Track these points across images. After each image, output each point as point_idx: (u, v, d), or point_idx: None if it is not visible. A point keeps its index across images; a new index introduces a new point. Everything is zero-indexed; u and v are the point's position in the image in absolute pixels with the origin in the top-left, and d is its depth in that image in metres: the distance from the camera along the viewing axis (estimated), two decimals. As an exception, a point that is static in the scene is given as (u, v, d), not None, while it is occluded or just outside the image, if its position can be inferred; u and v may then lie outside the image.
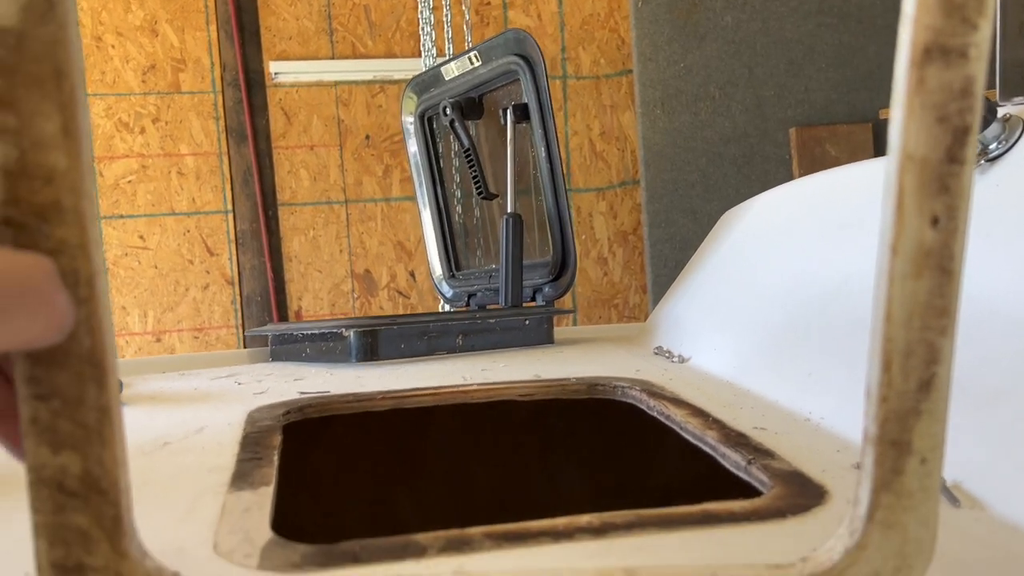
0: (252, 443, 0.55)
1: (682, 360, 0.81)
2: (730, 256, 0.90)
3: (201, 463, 0.52)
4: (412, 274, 3.36)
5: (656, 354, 0.87)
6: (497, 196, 1.05)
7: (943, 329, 0.26)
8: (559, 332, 1.03)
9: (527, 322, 0.96)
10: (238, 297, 3.24)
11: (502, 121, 1.01)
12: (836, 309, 0.65)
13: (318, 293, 3.30)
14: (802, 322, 0.69)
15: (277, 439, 0.56)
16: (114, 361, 0.26)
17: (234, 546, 0.40)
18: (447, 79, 1.08)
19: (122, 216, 3.15)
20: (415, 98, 1.15)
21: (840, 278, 0.67)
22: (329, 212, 3.29)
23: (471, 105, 1.05)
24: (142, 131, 3.17)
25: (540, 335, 0.97)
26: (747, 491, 0.50)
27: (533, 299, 1.03)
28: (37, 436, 0.25)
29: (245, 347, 3.27)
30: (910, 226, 0.25)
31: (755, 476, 0.50)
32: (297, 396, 0.68)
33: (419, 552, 0.39)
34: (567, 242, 0.99)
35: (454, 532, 0.41)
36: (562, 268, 0.99)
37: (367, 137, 3.30)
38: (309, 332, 0.91)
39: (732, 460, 0.53)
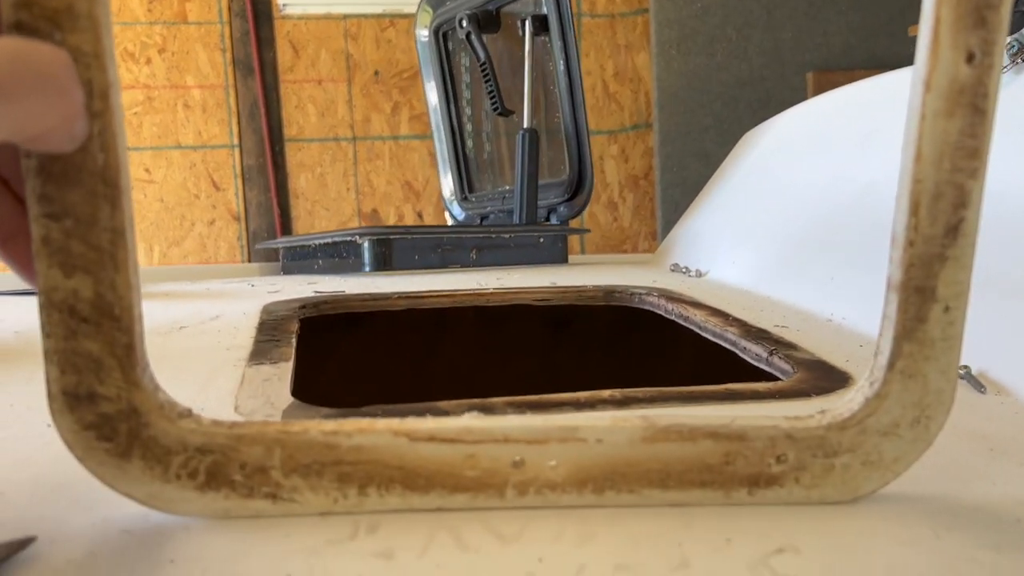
0: (269, 328, 0.55)
1: (699, 274, 0.80)
2: (750, 174, 0.89)
3: (218, 343, 0.51)
4: (420, 215, 3.34)
5: (672, 271, 0.86)
6: (513, 112, 1.03)
7: (973, 172, 0.25)
8: (572, 258, 1.02)
9: (541, 240, 0.95)
10: (244, 233, 3.23)
11: (520, 32, 0.99)
12: (860, 216, 0.64)
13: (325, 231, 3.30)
14: (824, 231, 0.68)
15: (294, 326, 0.56)
16: (128, 182, 0.25)
17: (255, 408, 0.40)
18: (464, -8, 1.06)
19: (128, 148, 3.13)
20: (430, 12, 1.12)
21: (864, 186, 0.66)
22: (336, 149, 3.26)
23: (488, 18, 1.03)
24: (148, 61, 3.13)
25: (554, 254, 0.96)
26: (770, 382, 0.50)
27: (547, 219, 1.02)
28: (48, 257, 0.24)
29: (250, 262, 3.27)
30: (944, 60, 0.24)
31: (777, 366, 0.49)
32: (312, 295, 0.67)
33: (441, 415, 0.39)
34: (584, 160, 0.97)
35: (476, 400, 0.40)
36: (578, 187, 0.98)
37: (376, 73, 3.25)
38: (322, 242, 0.90)
39: (753, 353, 0.52)
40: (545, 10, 0.95)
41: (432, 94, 1.16)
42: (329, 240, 0.88)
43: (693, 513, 0.27)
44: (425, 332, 0.71)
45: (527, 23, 0.97)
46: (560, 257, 0.97)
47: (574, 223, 1.02)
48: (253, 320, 0.57)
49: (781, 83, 2.96)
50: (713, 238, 0.86)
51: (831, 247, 0.66)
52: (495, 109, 1.02)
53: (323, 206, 3.28)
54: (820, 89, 2.76)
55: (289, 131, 3.22)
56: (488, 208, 1.13)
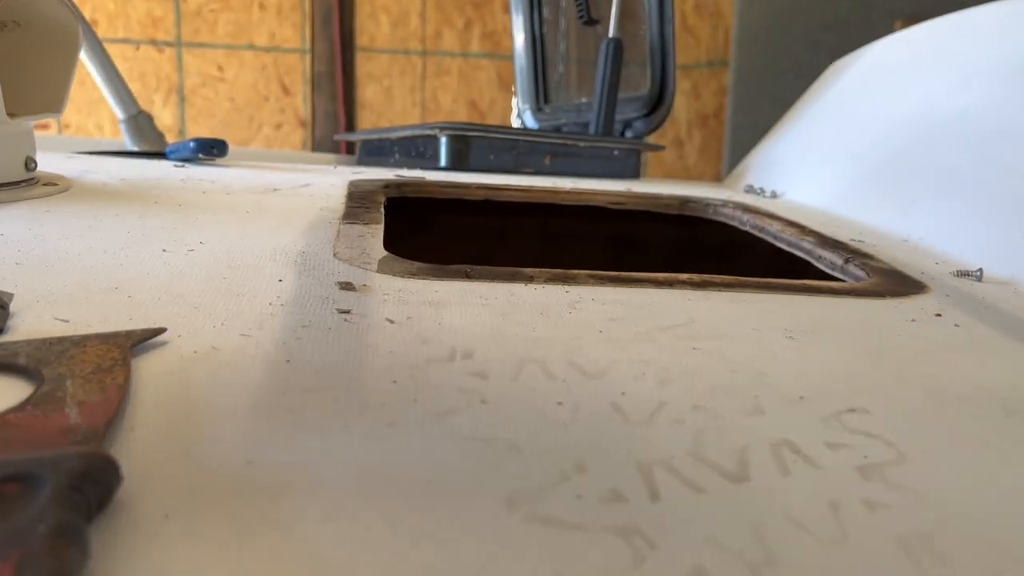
0: (358, 197, 0.57)
1: (775, 195, 0.80)
2: (834, 102, 0.87)
3: (312, 204, 0.54)
4: (483, 135, 3.34)
5: (747, 192, 0.86)
6: (599, 22, 1.02)
7: None
8: (643, 179, 1.02)
9: (616, 152, 0.95)
10: (310, 140, 3.26)
11: (613, -60, 0.97)
12: (950, 143, 0.63)
13: (388, 144, 3.31)
14: (910, 156, 0.67)
15: (381, 198, 0.58)
16: None
17: (353, 256, 0.42)
18: None
19: (202, 44, 3.16)
20: (522, -85, 1.11)
21: (955, 115, 0.65)
22: (406, 62, 3.25)
23: (581, -77, 1.01)
24: (228, -42, 3.13)
25: (628, 168, 0.97)
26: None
27: (623, 134, 1.02)
28: None
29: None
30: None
31: (852, 273, 0.50)
32: (395, 177, 0.69)
33: (527, 279, 0.41)
34: (667, 75, 0.96)
35: (559, 271, 0.42)
36: (659, 102, 0.97)
37: (451, -14, 3.21)
38: (400, 136, 0.91)
39: (828, 261, 0.53)
40: (642, -83, 0.93)
41: (515, 3, 1.16)
42: (408, 134, 0.90)
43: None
44: (500, 223, 0.73)
45: (621, -70, 0.95)
46: (633, 172, 0.97)
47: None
48: (341, 191, 0.60)
49: (867, 29, 2.83)
50: (791, 162, 0.85)
51: (916, 172, 0.65)
52: (580, 18, 1.01)
53: (387, 119, 3.29)
54: (909, 37, 2.65)
55: (361, 40, 3.22)
56: (562, 120, 1.13)
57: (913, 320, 0.37)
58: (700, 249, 0.72)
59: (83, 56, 0.84)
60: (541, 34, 1.15)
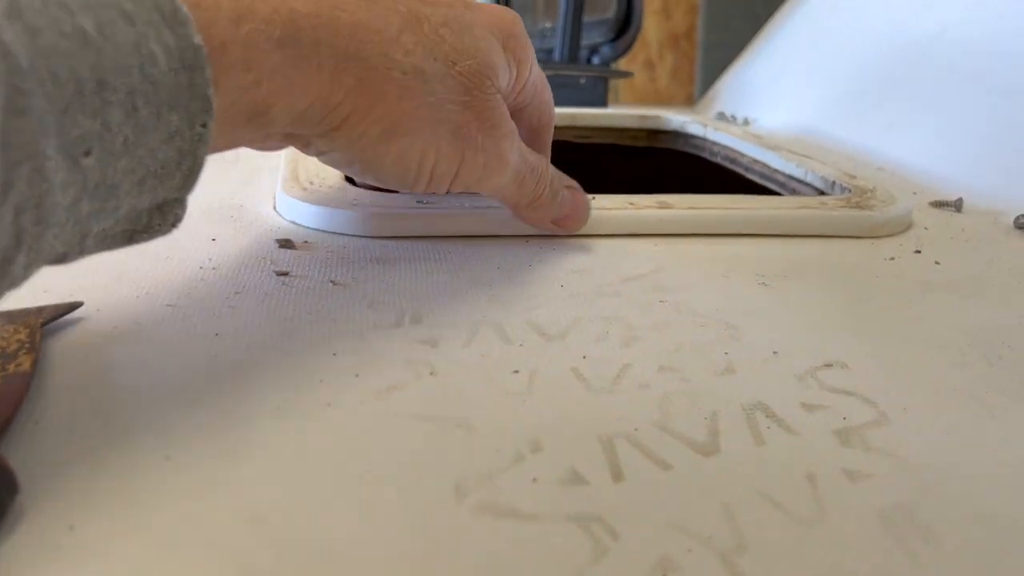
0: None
1: (747, 122, 0.78)
2: (805, 22, 0.84)
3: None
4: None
5: (718, 119, 0.83)
6: (561, -59, 0.97)
7: None
8: (611, 106, 0.98)
9: (582, 81, 0.92)
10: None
11: None
12: (930, 59, 0.61)
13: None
14: (884, 77, 0.64)
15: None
16: None
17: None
18: None
19: None
20: None
21: (936, 29, 0.62)
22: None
23: None
24: None
25: (595, 97, 0.93)
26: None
27: (589, 60, 0.98)
28: None
29: None
30: None
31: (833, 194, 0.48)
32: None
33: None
34: (633, -3, 0.92)
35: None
36: (625, 25, 0.93)
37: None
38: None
39: (811, 187, 0.51)
40: None
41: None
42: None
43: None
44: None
45: None
46: (600, 100, 0.94)
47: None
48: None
49: (843, -60, 2.75)
50: (762, 86, 0.82)
51: (890, 94, 0.63)
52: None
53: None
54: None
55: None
56: (528, 47, 1.08)
57: (892, 258, 0.36)
58: (674, 181, 0.70)
59: None
60: (502, -45, 1.09)
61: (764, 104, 0.79)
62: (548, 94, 0.34)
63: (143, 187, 0.20)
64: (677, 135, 0.68)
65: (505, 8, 0.32)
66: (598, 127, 0.68)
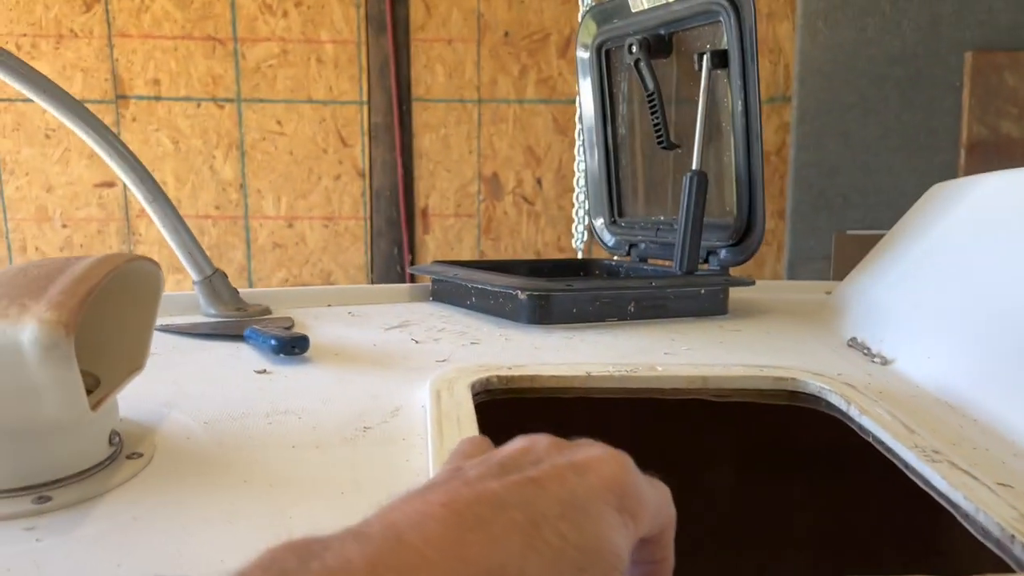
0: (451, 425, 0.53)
1: (884, 361, 0.74)
2: (948, 245, 0.81)
3: (403, 453, 0.50)
4: (539, 181, 3.30)
5: (851, 347, 0.80)
6: (679, 147, 0.97)
7: None
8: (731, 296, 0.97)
9: (703, 292, 0.90)
10: (368, 190, 3.28)
11: (696, 67, 0.92)
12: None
13: (445, 192, 3.30)
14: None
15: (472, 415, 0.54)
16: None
17: None
18: (634, 11, 0.99)
19: (261, 100, 3.20)
20: (594, 27, 1.06)
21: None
22: (462, 111, 3.24)
23: (660, 43, 0.96)
24: (284, 15, 3.16)
25: (715, 305, 0.91)
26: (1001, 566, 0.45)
27: (706, 261, 0.97)
28: None
29: (372, 269, 3.34)
30: None
31: (1015, 557, 0.44)
32: (483, 377, 0.65)
33: None
34: (755, 206, 0.91)
35: None
36: (746, 233, 0.92)
37: (506, 34, 3.19)
38: (479, 287, 0.88)
39: (981, 528, 0.47)
40: (726, 44, 0.88)
41: (588, 113, 1.11)
42: (488, 287, 0.86)
43: None
44: (596, 424, 0.69)
45: (705, 57, 0.90)
46: (720, 308, 0.92)
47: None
48: (431, 406, 0.56)
49: (935, 61, 2.73)
50: (899, 314, 0.79)
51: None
52: (660, 143, 0.96)
53: (444, 167, 3.29)
54: (979, 70, 2.53)
55: (417, 90, 3.22)
56: (639, 237, 1.08)
57: None
58: (815, 450, 0.67)
59: (157, 222, 0.83)
60: (616, 148, 1.10)
61: (904, 338, 0.75)
62: (664, 506, 0.32)
63: None
64: (818, 400, 0.65)
65: (613, 456, 0.30)
66: (732, 388, 0.66)
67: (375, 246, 3.29)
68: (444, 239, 3.33)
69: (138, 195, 0.83)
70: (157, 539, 0.42)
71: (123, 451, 0.49)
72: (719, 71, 0.91)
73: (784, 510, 0.80)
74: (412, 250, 3.28)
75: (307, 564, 0.22)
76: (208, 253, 0.85)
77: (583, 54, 1.10)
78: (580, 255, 2.10)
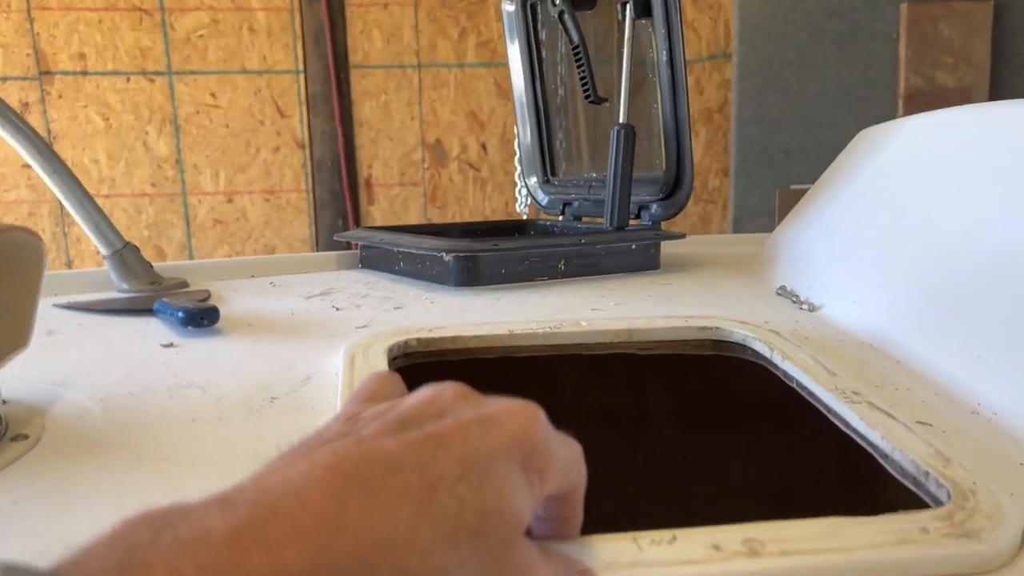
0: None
1: (812, 308, 0.74)
2: (875, 188, 0.80)
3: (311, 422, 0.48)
4: (484, 146, 3.26)
5: (780, 295, 0.79)
6: (606, 100, 0.95)
7: None
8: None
9: (634, 247, 0.89)
10: (308, 161, 3.21)
11: (619, 16, 0.90)
12: (1022, 279, 0.57)
13: (388, 161, 3.24)
14: (973, 288, 0.60)
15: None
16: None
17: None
18: (557, -39, 0.96)
19: (194, 72, 3.09)
20: (518, -20, 1.03)
21: None
22: (401, 76, 3.18)
23: (584, -6, 0.94)
24: (212, -18, 3.05)
25: (646, 260, 0.90)
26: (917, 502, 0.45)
27: (638, 216, 0.95)
28: None
29: (317, 243, 3.26)
30: None
31: (929, 492, 0.44)
32: (401, 339, 0.63)
33: None
34: (683, 159, 0.89)
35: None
36: (675, 187, 0.91)
37: (444, -4, 3.12)
38: (406, 251, 0.85)
39: (899, 466, 0.47)
40: (649, -8, 0.86)
41: (516, 68, 1.09)
42: (414, 250, 0.84)
43: None
44: (518, 383, 0.67)
45: (628, 7, 0.88)
46: (652, 263, 0.91)
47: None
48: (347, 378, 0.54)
49: (872, 14, 2.75)
50: (827, 262, 0.79)
51: (980, 311, 0.58)
52: (587, 97, 0.94)
53: (387, 135, 3.23)
54: (914, 22, 2.55)
55: (354, 57, 3.15)
56: (573, 195, 1.06)
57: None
58: (739, 399, 0.66)
59: (60, 196, 0.78)
60: (546, 106, 1.08)
61: (830, 286, 0.75)
62: (575, 464, 0.31)
63: None
64: (743, 348, 0.64)
65: (523, 409, 0.28)
66: (657, 340, 0.65)
67: (319, 219, 3.23)
68: (390, 209, 3.28)
69: (37, 168, 0.78)
70: (38, 523, 0.39)
71: (7, 434, 0.46)
72: (643, 20, 0.89)
73: (718, 459, 0.80)
74: (357, 221, 3.22)
75: (160, 536, 0.20)
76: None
77: (508, 6, 1.07)
78: (525, 218, 2.08)
